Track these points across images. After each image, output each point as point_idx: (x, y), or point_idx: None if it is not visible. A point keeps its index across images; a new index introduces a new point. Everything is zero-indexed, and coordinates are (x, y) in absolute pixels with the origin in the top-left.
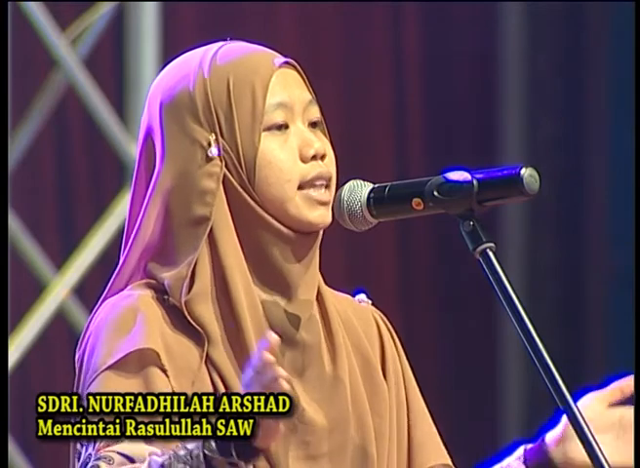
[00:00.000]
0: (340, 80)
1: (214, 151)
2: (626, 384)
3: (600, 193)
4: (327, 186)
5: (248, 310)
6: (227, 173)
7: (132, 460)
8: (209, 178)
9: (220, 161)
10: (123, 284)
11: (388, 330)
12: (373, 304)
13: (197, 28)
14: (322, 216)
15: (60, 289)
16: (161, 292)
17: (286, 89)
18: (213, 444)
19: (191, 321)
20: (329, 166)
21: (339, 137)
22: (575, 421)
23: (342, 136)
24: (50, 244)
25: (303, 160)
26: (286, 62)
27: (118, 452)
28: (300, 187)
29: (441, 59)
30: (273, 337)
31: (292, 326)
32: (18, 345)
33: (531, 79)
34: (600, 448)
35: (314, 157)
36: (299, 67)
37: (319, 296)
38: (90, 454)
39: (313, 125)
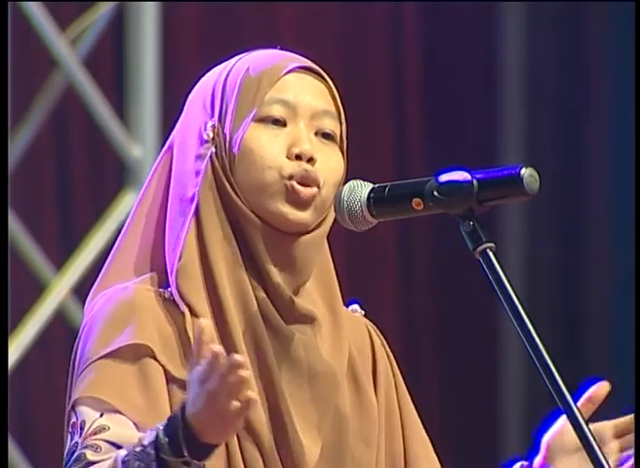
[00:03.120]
0: (340, 80)
1: (209, 134)
2: (595, 393)
3: (600, 193)
4: (309, 186)
5: (231, 293)
6: (215, 158)
7: (119, 448)
8: (198, 161)
9: (212, 145)
10: (125, 261)
11: (381, 341)
12: (365, 315)
13: (197, 28)
14: (296, 215)
15: (59, 289)
16: (158, 285)
17: (296, 89)
18: (165, 442)
19: (180, 303)
20: (318, 170)
21: None
22: (574, 421)
23: None
24: (50, 244)
25: (288, 157)
26: (310, 69)
27: (105, 440)
28: (282, 178)
29: (441, 59)
30: (237, 359)
31: (276, 314)
32: (18, 345)
33: (531, 79)
34: (601, 449)
35: (299, 157)
36: (330, 81)
37: (333, 305)
38: (76, 443)
39: (325, 136)
